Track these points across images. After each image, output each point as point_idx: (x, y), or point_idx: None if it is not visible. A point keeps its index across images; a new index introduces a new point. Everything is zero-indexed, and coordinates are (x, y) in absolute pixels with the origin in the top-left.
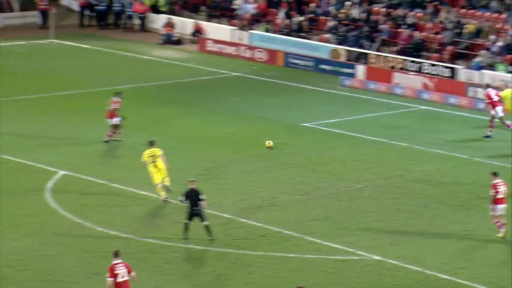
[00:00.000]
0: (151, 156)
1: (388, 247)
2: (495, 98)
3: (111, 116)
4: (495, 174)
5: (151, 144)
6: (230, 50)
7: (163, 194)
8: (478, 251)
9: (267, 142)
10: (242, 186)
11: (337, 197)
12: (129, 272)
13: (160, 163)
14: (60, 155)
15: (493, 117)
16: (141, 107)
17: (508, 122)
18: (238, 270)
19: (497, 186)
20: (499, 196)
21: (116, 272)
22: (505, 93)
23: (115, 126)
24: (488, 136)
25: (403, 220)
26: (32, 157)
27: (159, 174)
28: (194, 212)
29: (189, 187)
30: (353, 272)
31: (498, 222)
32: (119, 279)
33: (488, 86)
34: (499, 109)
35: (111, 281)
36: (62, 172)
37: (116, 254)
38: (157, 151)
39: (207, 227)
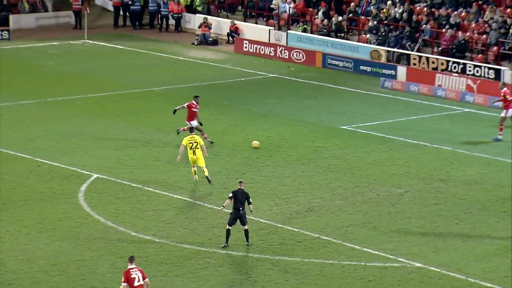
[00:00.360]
0: (191, 142)
1: (430, 254)
2: (509, 98)
3: (192, 119)
4: None
5: (191, 131)
6: (267, 50)
7: (196, 177)
8: None
9: (253, 142)
10: (278, 190)
11: (377, 202)
12: (143, 277)
13: (199, 152)
14: (94, 157)
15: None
16: None
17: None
18: (275, 276)
19: None
20: None
21: (132, 276)
22: None
23: (192, 129)
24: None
25: (445, 226)
26: (66, 160)
27: (194, 161)
28: (239, 214)
29: (238, 187)
30: (394, 279)
31: None
32: (136, 283)
33: (504, 85)
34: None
35: (125, 285)
36: (96, 175)
37: (132, 260)
38: (199, 139)
39: (246, 231)
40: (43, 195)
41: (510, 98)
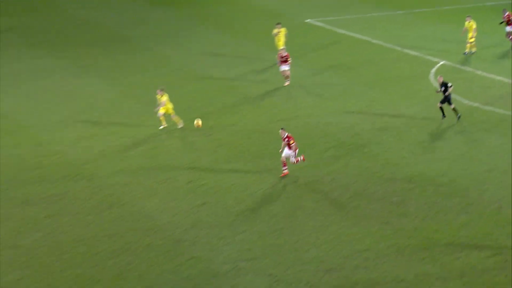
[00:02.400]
0: None
1: None
2: None
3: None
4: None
5: None
6: None
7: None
8: None
9: (196, 122)
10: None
11: None
12: None
13: None
14: (443, 46)
15: None
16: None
17: None
18: None
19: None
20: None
21: None
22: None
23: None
24: None
25: None
26: (416, 49)
27: None
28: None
29: (444, 80)
30: None
31: None
32: None
33: None
34: None
35: None
36: (442, 62)
37: None
38: None
39: (454, 109)
40: (392, 76)
41: None
